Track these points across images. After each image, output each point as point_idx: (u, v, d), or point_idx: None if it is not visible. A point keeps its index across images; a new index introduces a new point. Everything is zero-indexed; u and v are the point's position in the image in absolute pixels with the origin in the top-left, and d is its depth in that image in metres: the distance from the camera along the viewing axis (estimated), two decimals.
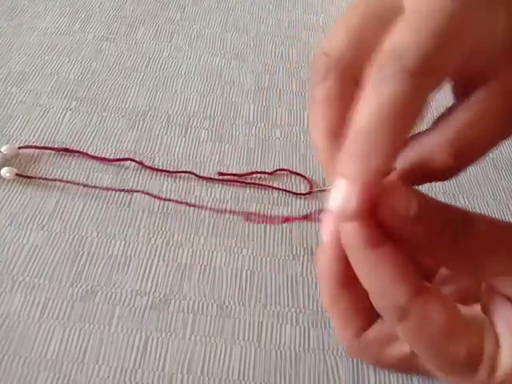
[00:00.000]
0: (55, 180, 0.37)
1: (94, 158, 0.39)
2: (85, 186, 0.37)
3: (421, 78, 0.16)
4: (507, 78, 0.20)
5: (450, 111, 0.21)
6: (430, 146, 0.20)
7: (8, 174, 0.37)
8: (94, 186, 0.37)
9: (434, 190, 0.42)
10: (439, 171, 0.20)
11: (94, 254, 0.34)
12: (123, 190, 0.38)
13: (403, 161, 0.21)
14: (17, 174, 0.37)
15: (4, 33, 0.49)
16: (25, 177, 0.37)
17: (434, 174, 0.21)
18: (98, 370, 0.29)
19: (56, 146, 0.40)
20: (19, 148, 0.39)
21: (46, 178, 0.37)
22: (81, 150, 0.40)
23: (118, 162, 0.39)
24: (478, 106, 0.20)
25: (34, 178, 0.37)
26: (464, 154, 0.20)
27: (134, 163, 0.39)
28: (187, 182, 0.39)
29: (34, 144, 0.40)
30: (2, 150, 0.38)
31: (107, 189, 0.37)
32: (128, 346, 0.30)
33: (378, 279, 0.18)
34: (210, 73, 0.49)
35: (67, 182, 0.37)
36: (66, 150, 0.39)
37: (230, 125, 0.45)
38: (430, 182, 0.22)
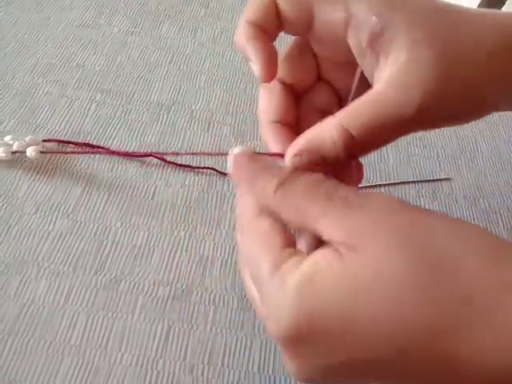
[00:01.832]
0: (82, 153, 0.38)
1: (115, 153, 0.40)
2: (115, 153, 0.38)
3: None
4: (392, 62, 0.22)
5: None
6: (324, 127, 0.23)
7: (34, 153, 0.37)
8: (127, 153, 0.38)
9: (454, 193, 0.42)
10: (331, 161, 0.23)
11: (117, 244, 0.34)
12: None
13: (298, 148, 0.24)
14: (41, 152, 0.37)
15: (32, 25, 0.50)
16: (50, 152, 0.38)
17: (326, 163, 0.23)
18: (120, 358, 0.29)
19: (81, 136, 0.41)
20: (43, 141, 0.39)
21: (72, 152, 0.38)
22: (105, 141, 0.41)
23: (140, 158, 0.40)
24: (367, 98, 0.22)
25: (60, 152, 0.38)
26: (357, 148, 0.23)
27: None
28: (209, 177, 0.40)
29: (59, 135, 0.40)
30: (26, 140, 0.38)
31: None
32: (150, 335, 0.30)
33: None
34: (233, 70, 0.50)
35: (93, 153, 0.38)
36: (88, 145, 0.40)
37: (252, 122, 0.45)
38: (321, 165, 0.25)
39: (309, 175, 0.22)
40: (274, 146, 0.26)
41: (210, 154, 0.41)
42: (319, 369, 0.20)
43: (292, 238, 0.22)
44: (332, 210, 0.20)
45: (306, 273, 0.19)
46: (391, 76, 0.22)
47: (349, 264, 0.19)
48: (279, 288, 0.20)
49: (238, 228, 0.23)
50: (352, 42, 0.23)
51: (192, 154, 0.41)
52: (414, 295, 0.17)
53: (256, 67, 0.24)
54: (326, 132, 0.22)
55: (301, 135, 0.24)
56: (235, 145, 0.43)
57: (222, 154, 0.39)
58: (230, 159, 0.24)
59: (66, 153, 0.39)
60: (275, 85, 0.26)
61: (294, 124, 0.27)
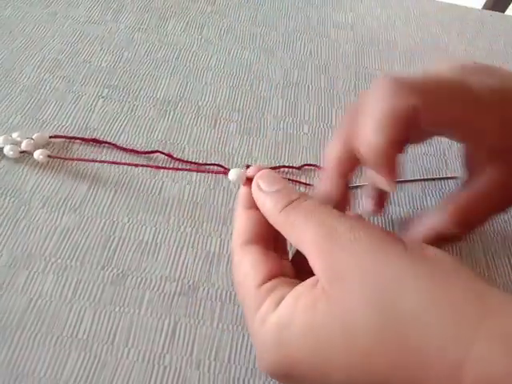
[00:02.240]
0: (88, 160, 0.38)
1: (122, 149, 0.40)
2: (115, 163, 0.38)
3: None
4: (497, 171, 0.28)
5: (455, 193, 0.31)
6: (440, 221, 0.30)
7: (41, 157, 0.37)
8: (127, 163, 0.38)
9: None
10: (449, 237, 0.30)
11: (124, 239, 0.34)
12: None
13: (421, 230, 0.31)
14: (49, 156, 0.38)
15: (39, 20, 0.50)
16: (57, 157, 0.38)
17: (446, 239, 0.31)
18: (127, 353, 0.29)
19: (88, 132, 0.41)
20: (50, 137, 0.39)
21: (78, 159, 0.38)
22: (112, 137, 0.41)
23: (147, 154, 0.40)
24: (476, 191, 0.29)
25: (67, 159, 0.38)
26: (467, 225, 0.30)
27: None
28: (216, 174, 0.40)
29: (66, 131, 0.40)
30: (34, 137, 0.38)
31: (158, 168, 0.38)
32: (157, 331, 0.30)
33: None
34: (239, 66, 0.50)
35: (100, 161, 0.38)
36: (95, 141, 0.40)
37: (259, 118, 0.45)
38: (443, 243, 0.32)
39: (311, 200, 0.24)
40: (332, 193, 0.29)
41: (212, 172, 0.41)
42: None
43: (277, 263, 0.25)
44: (319, 239, 0.22)
45: (283, 317, 0.21)
46: (494, 181, 0.29)
47: (322, 313, 0.20)
48: (261, 327, 0.22)
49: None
50: (467, 144, 0.29)
51: (197, 170, 0.41)
52: (381, 352, 0.19)
53: (383, 184, 0.27)
54: (441, 227, 0.29)
55: (421, 225, 0.31)
56: (238, 142, 0.43)
57: (223, 173, 0.40)
58: (257, 174, 0.27)
59: (73, 159, 0.38)
60: None
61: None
